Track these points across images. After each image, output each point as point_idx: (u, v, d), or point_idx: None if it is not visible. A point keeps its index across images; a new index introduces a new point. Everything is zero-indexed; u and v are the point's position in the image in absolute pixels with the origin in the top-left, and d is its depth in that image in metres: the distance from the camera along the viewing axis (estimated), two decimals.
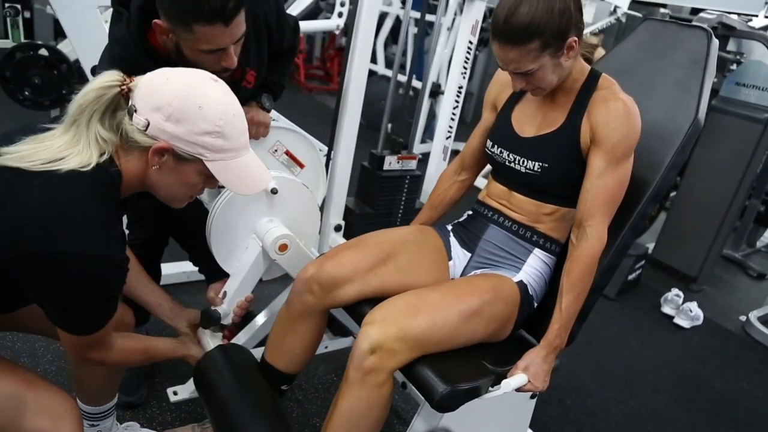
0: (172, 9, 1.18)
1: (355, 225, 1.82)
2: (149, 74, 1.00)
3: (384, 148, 1.91)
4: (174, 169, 1.02)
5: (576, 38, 1.20)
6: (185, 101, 0.96)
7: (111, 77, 0.98)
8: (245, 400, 1.27)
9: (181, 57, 1.27)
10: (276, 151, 1.60)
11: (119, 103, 0.99)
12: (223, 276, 1.52)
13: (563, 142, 1.29)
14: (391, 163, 1.84)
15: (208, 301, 1.50)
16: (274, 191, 1.45)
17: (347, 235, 1.81)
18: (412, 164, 1.89)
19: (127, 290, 1.31)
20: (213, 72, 1.27)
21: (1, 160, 0.90)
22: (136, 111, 0.97)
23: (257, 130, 1.53)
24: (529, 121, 1.37)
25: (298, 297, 1.36)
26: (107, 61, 1.35)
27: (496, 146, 1.40)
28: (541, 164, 1.30)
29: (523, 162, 1.33)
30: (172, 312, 1.41)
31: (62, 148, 0.94)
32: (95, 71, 1.39)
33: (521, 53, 1.17)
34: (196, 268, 2.41)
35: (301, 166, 1.66)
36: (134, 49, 1.29)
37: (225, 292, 1.46)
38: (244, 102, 1.50)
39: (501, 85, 1.46)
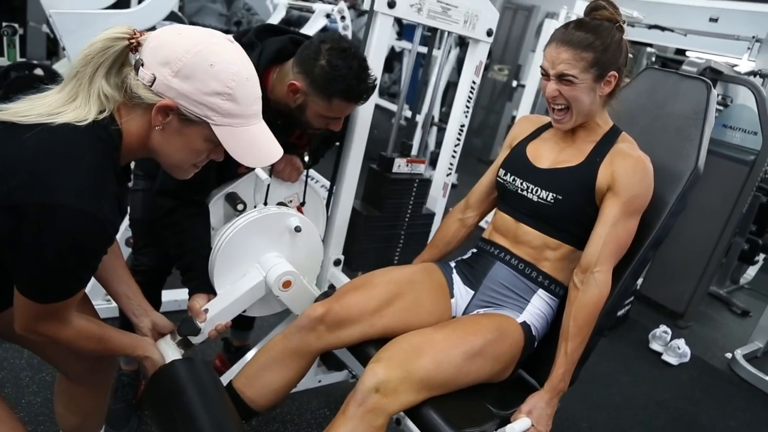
0: (322, 80, 1.33)
1: (361, 227, 1.79)
2: (161, 28, 0.94)
3: (393, 151, 1.89)
4: (178, 132, 0.95)
5: (616, 74, 1.28)
6: (196, 57, 0.90)
7: (120, 29, 0.91)
8: (213, 418, 1.12)
9: (300, 113, 1.41)
10: (291, 201, 1.61)
11: (127, 59, 0.93)
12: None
13: (580, 178, 1.32)
14: (400, 165, 1.82)
15: (188, 309, 1.40)
16: (297, 229, 1.45)
17: (352, 235, 1.81)
18: (421, 168, 1.87)
19: (98, 273, 1.20)
20: (314, 130, 1.45)
21: None
22: (142, 65, 0.91)
23: (290, 173, 1.59)
24: (545, 155, 1.40)
25: (300, 334, 1.35)
26: None
27: (509, 174, 1.42)
28: (555, 195, 1.33)
29: (537, 191, 1.35)
30: (139, 309, 1.28)
31: (59, 103, 0.89)
32: None
33: (574, 57, 1.24)
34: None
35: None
36: None
37: (207, 310, 1.38)
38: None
39: (521, 127, 1.51)
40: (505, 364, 1.31)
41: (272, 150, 1.04)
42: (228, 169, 1.51)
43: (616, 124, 1.39)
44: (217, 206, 1.52)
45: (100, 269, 1.18)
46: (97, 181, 0.88)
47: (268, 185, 1.52)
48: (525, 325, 1.35)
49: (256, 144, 1.01)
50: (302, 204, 1.64)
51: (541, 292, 1.38)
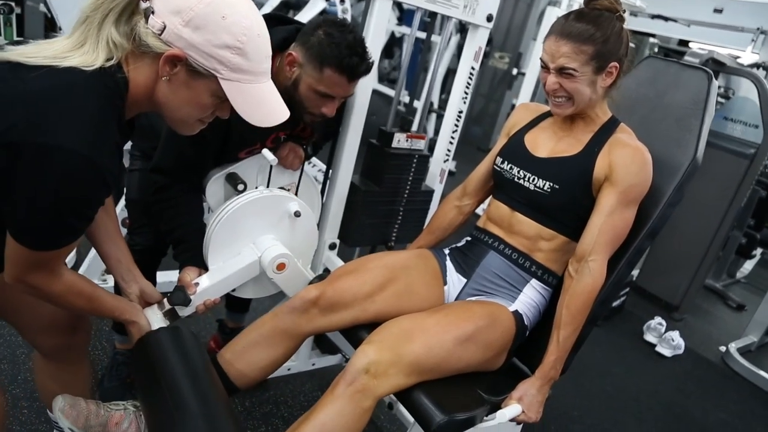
0: (317, 48, 1.35)
1: (360, 202, 1.78)
2: None
3: (393, 125, 1.85)
4: (185, 84, 0.94)
5: (617, 65, 1.27)
6: (209, 8, 0.89)
7: None
8: (197, 386, 1.11)
9: (294, 90, 1.40)
10: (290, 189, 1.60)
11: (137, 8, 0.91)
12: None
13: (577, 168, 1.31)
14: (399, 140, 1.79)
15: (179, 281, 1.40)
16: (297, 214, 1.44)
17: (350, 211, 1.79)
18: (421, 144, 1.84)
19: (90, 231, 1.18)
20: (310, 114, 1.44)
21: (2, 55, 0.85)
22: (153, 13, 0.89)
23: (293, 160, 1.59)
24: (543, 144, 1.39)
25: (292, 315, 1.34)
26: None
27: (506, 162, 1.42)
28: (551, 184, 1.32)
29: (534, 180, 1.34)
30: (129, 274, 1.25)
31: (66, 48, 0.88)
32: None
33: (574, 50, 1.23)
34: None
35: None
36: None
37: (197, 283, 1.36)
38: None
39: (519, 115, 1.50)
40: (496, 352, 1.31)
41: (279, 110, 1.02)
42: (228, 152, 1.50)
43: (615, 112, 1.38)
44: (217, 185, 1.51)
45: (93, 228, 1.16)
46: (99, 127, 0.86)
47: (271, 166, 1.51)
48: (517, 314, 1.35)
49: (263, 102, 0.99)
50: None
51: (534, 282, 1.38)
